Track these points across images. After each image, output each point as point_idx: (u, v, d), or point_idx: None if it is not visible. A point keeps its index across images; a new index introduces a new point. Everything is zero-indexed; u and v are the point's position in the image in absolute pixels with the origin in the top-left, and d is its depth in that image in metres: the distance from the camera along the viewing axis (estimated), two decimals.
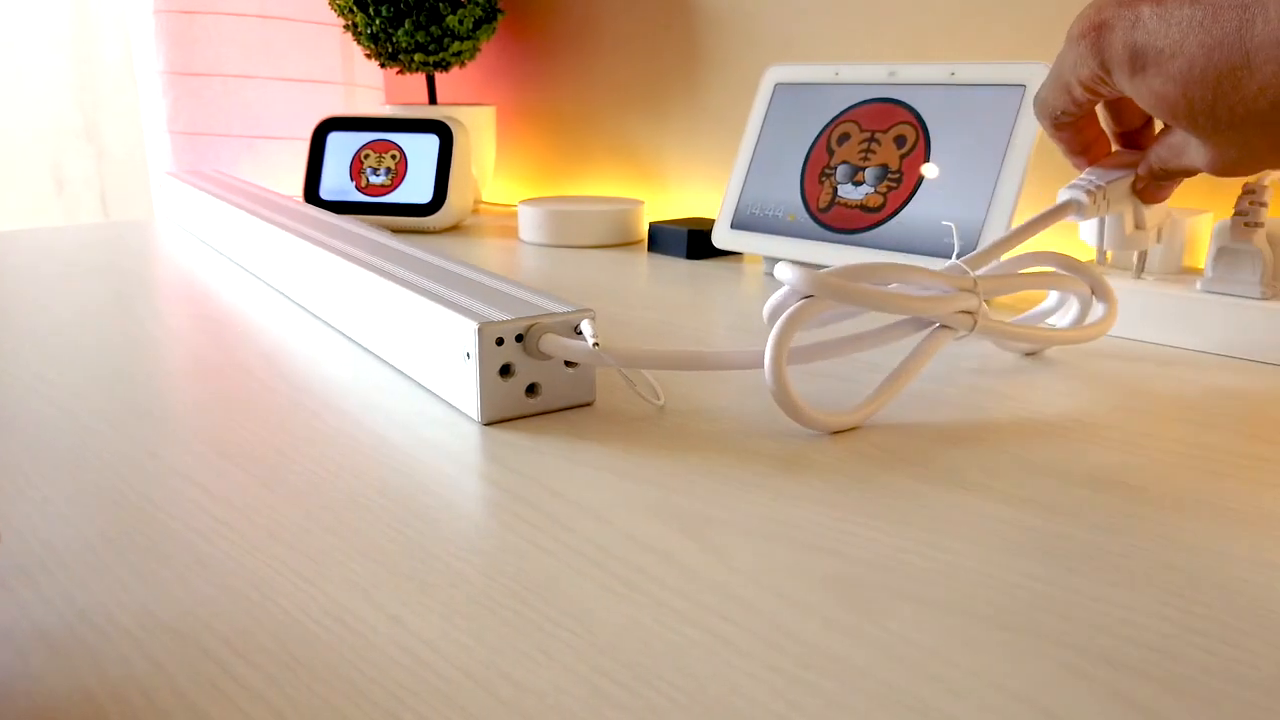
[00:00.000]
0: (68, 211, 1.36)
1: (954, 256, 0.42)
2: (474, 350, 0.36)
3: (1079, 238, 0.49)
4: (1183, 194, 0.60)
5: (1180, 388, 0.42)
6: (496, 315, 0.37)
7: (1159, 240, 0.48)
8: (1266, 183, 0.46)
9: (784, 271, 0.36)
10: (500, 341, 0.36)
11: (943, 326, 0.39)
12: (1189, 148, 0.39)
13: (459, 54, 0.91)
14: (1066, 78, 0.40)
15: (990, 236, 0.53)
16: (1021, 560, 0.27)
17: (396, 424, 0.38)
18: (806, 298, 0.36)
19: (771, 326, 0.36)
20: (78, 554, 0.27)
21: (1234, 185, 0.49)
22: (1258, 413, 0.39)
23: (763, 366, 0.36)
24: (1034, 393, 0.41)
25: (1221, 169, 0.38)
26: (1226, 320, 0.46)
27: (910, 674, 0.22)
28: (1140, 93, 0.36)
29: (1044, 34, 0.65)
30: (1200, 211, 0.54)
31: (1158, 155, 0.42)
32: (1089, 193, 0.43)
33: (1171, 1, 0.34)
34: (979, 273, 0.41)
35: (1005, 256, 0.43)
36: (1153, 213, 0.47)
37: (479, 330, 0.36)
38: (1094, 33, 0.37)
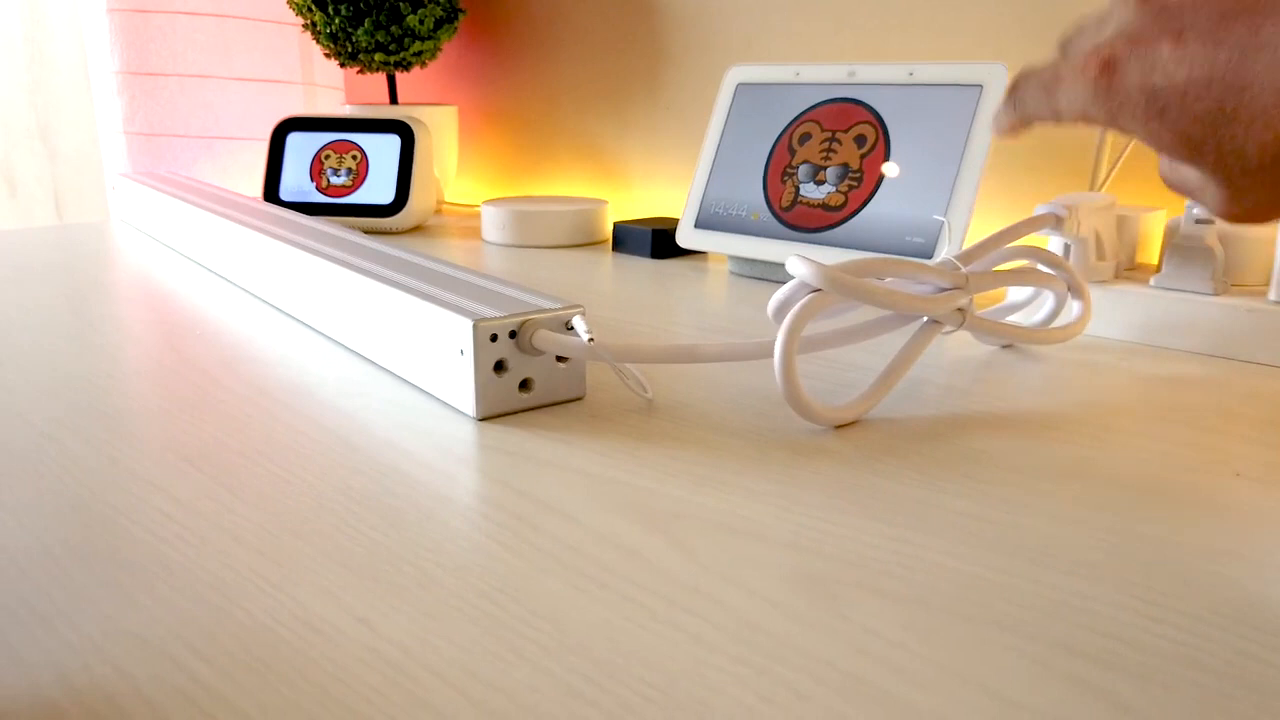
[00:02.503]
0: (20, 213, 1.34)
1: (943, 252, 0.43)
2: (469, 347, 0.37)
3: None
4: (1135, 191, 0.61)
5: (1136, 382, 0.43)
6: (489, 312, 0.37)
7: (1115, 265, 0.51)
8: None
9: (796, 265, 0.36)
10: (494, 338, 0.37)
11: (931, 321, 0.40)
12: (1203, 189, 0.35)
13: (420, 54, 0.90)
14: (1058, 105, 0.36)
15: (949, 234, 0.53)
16: (985, 553, 0.27)
17: (379, 423, 0.37)
18: (815, 291, 0.36)
19: (778, 321, 0.37)
20: (38, 561, 0.27)
21: None
22: (1213, 407, 0.40)
23: (753, 359, 0.37)
24: (996, 388, 0.42)
25: (1234, 217, 0.34)
26: (1180, 315, 0.47)
27: (876, 666, 0.22)
28: (1159, 138, 0.33)
29: (1001, 35, 0.66)
30: (1153, 209, 0.55)
31: (1168, 180, 0.37)
32: (1067, 207, 0.46)
33: (1193, 41, 0.31)
34: (967, 269, 0.41)
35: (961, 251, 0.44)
36: (1114, 247, 0.49)
37: (474, 327, 0.36)
38: (1104, 75, 0.33)
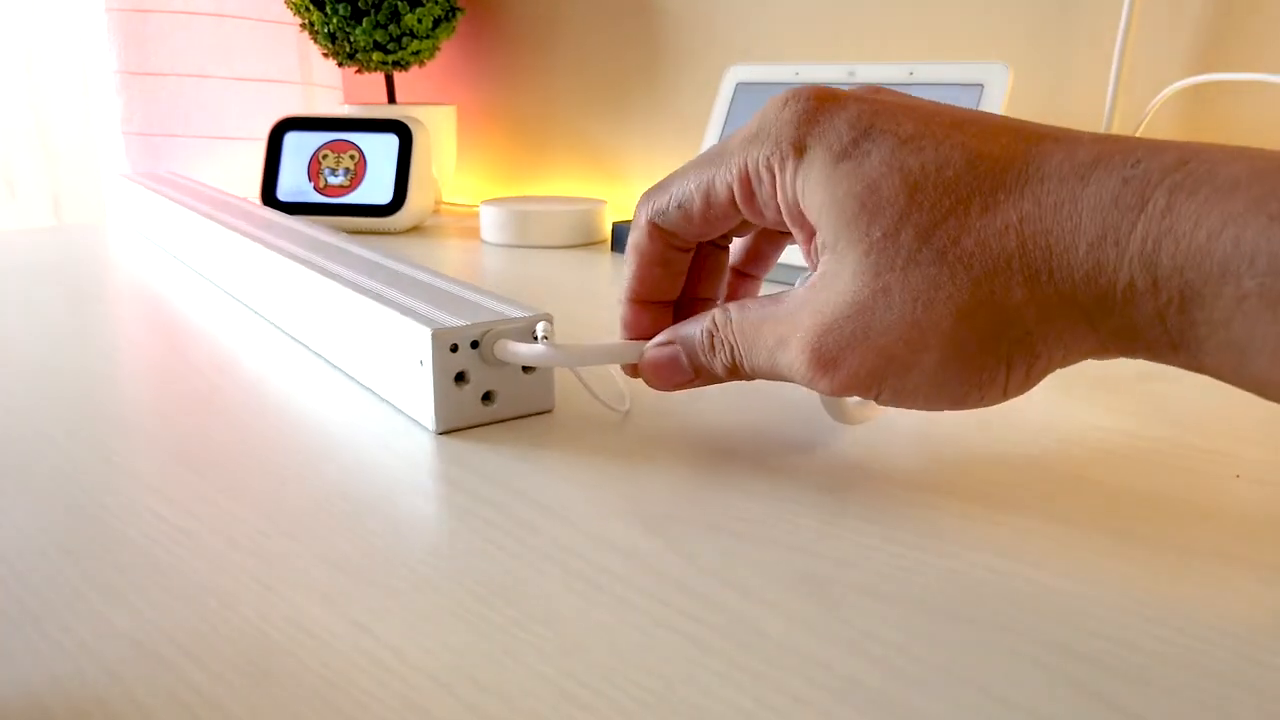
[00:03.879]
0: (20, 214, 1.33)
1: None
2: (427, 357, 0.35)
3: None
4: None
5: (1135, 382, 0.42)
6: (451, 321, 0.36)
7: None
8: None
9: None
10: (455, 348, 0.35)
11: None
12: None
13: (418, 53, 0.90)
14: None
15: None
16: (985, 554, 0.27)
17: (352, 432, 0.37)
18: None
19: None
20: (32, 563, 0.27)
21: None
22: (1212, 407, 0.39)
23: None
24: None
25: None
26: None
27: (875, 669, 0.22)
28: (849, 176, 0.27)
29: (1001, 34, 0.66)
30: None
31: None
32: None
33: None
34: None
35: None
36: None
37: (433, 336, 0.35)
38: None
